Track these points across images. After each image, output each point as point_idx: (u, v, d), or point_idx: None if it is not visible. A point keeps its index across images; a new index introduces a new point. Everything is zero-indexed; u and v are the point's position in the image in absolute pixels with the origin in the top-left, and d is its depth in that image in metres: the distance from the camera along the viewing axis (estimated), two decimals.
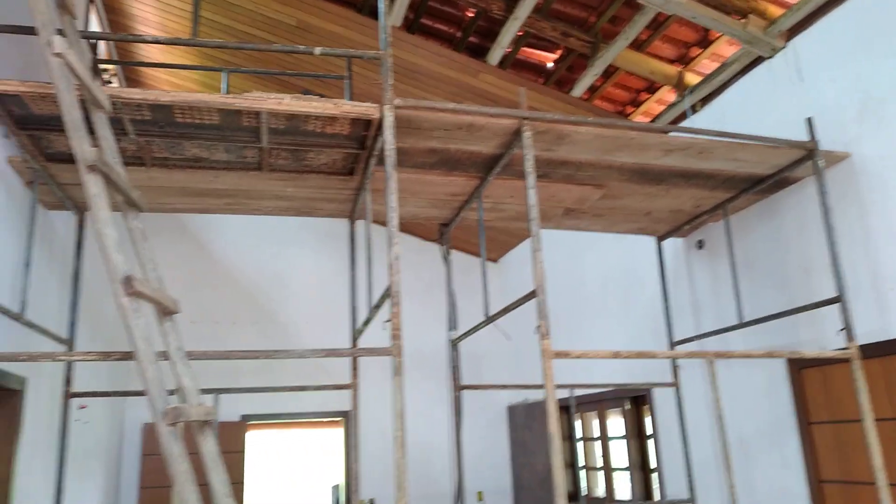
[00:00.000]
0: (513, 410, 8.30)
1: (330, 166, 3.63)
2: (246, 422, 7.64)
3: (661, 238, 5.06)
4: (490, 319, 3.78)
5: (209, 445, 2.44)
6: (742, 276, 4.42)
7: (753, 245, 4.40)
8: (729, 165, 3.77)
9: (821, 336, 3.85)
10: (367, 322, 3.63)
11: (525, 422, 7.87)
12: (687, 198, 4.24)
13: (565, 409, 7.09)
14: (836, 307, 3.68)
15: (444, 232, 4.66)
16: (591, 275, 6.44)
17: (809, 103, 3.95)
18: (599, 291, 6.28)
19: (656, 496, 5.68)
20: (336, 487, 8.41)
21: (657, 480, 5.54)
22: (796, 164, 3.74)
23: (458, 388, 4.42)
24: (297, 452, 10.16)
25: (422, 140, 3.32)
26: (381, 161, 3.51)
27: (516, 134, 3.25)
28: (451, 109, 3.10)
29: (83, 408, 5.36)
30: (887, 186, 3.49)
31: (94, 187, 2.20)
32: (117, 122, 3.03)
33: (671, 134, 3.52)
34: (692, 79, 4.89)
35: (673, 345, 4.91)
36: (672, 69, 4.90)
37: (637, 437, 5.92)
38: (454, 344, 4.49)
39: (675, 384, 4.86)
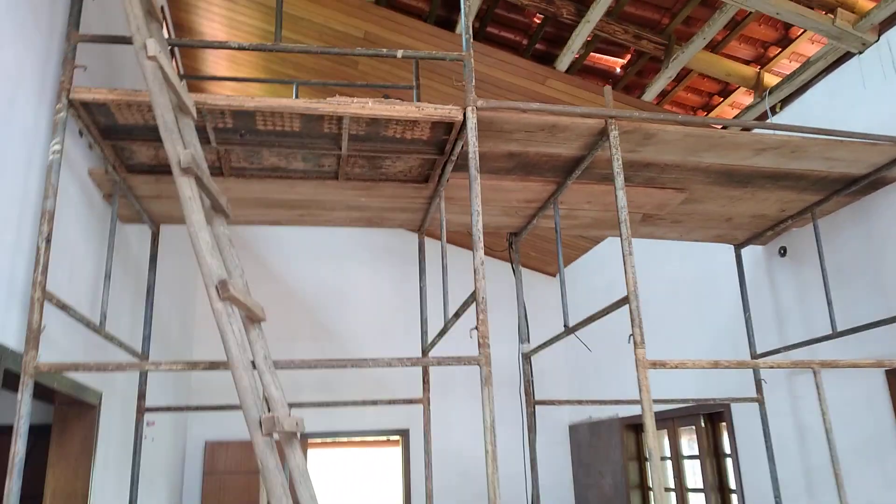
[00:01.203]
0: (575, 429, 8.07)
1: (406, 173, 3.56)
2: (306, 439, 7.59)
3: (739, 246, 4.85)
4: (570, 330, 3.64)
5: (298, 458, 2.36)
6: (831, 283, 4.18)
7: (843, 250, 4.17)
8: (822, 165, 3.58)
9: None
10: (442, 332, 3.53)
11: (590, 440, 7.63)
12: (772, 201, 4.05)
13: (635, 427, 6.85)
14: None
15: (513, 241, 4.55)
16: (662, 287, 6.22)
17: None
18: (670, 304, 6.06)
19: None
20: None
21: (736, 502, 5.27)
22: (895, 163, 3.53)
23: (533, 403, 4.27)
24: (354, 471, 10.09)
25: (501, 143, 3.23)
26: (458, 167, 3.43)
27: (601, 134, 3.13)
28: (534, 109, 3.00)
29: (151, 424, 5.37)
30: None
31: (188, 190, 2.16)
32: (199, 130, 3.02)
33: (762, 132, 3.35)
34: (770, 80, 4.70)
35: (755, 357, 4.68)
36: (749, 70, 4.72)
37: (713, 456, 5.66)
38: (527, 357, 4.35)
39: (759, 399, 4.62)
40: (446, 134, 3.12)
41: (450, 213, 4.05)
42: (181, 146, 2.19)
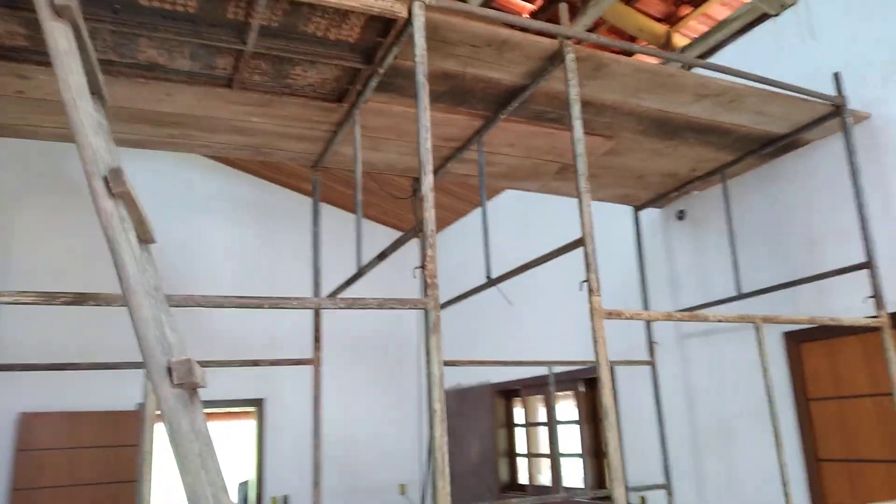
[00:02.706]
0: None
1: (316, 88, 2.98)
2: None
3: (638, 208, 4.77)
4: (493, 282, 3.29)
5: (201, 421, 1.80)
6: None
7: (747, 214, 4.18)
8: (750, 120, 3.48)
9: (825, 308, 3.65)
10: (354, 278, 3.04)
11: (457, 408, 7.42)
12: (689, 159, 3.94)
13: (506, 393, 6.72)
14: (835, 280, 3.52)
15: (417, 188, 4.10)
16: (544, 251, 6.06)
17: (822, 63, 3.74)
18: (556, 269, 5.91)
19: None
20: (244, 484, 7.60)
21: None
22: (817, 123, 3.52)
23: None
24: None
25: (438, 59, 2.76)
26: (384, 87, 2.93)
27: (552, 59, 2.77)
28: (489, 18, 2.57)
29: None
30: None
31: (63, 41, 1.51)
32: None
33: (705, 73, 3.14)
34: (679, 41, 4.62)
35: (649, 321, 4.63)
36: (660, 28, 4.61)
37: (591, 421, 5.63)
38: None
39: (651, 362, 4.58)
40: (381, 36, 2.60)
41: (353, 148, 3.53)
42: None
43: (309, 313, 6.65)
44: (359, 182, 3.04)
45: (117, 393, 6.29)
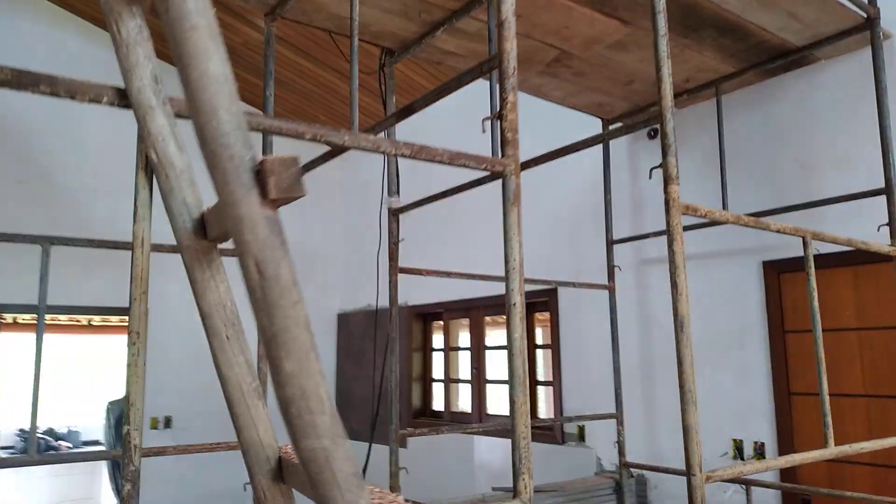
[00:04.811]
0: (345, 318, 7.30)
1: None
2: None
3: (608, 122, 4.40)
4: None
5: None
6: (714, 168, 3.93)
7: (734, 134, 3.92)
8: (776, 23, 3.16)
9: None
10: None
11: (365, 330, 6.93)
12: (690, 66, 3.59)
13: (424, 316, 6.31)
14: (825, 210, 3.35)
15: (387, 63, 3.47)
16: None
17: None
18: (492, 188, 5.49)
19: (542, 413, 5.19)
20: (115, 403, 6.71)
21: (550, 396, 5.04)
22: (838, 37, 3.26)
23: (397, 271, 3.38)
24: (64, 361, 8.10)
25: None
26: None
27: None
28: None
29: None
30: None
31: None
32: None
33: None
34: None
35: (610, 244, 4.34)
36: None
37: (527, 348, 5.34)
38: (395, 215, 3.40)
39: (610, 287, 4.30)
40: None
41: None
42: None
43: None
44: (355, 26, 2.38)
45: None
